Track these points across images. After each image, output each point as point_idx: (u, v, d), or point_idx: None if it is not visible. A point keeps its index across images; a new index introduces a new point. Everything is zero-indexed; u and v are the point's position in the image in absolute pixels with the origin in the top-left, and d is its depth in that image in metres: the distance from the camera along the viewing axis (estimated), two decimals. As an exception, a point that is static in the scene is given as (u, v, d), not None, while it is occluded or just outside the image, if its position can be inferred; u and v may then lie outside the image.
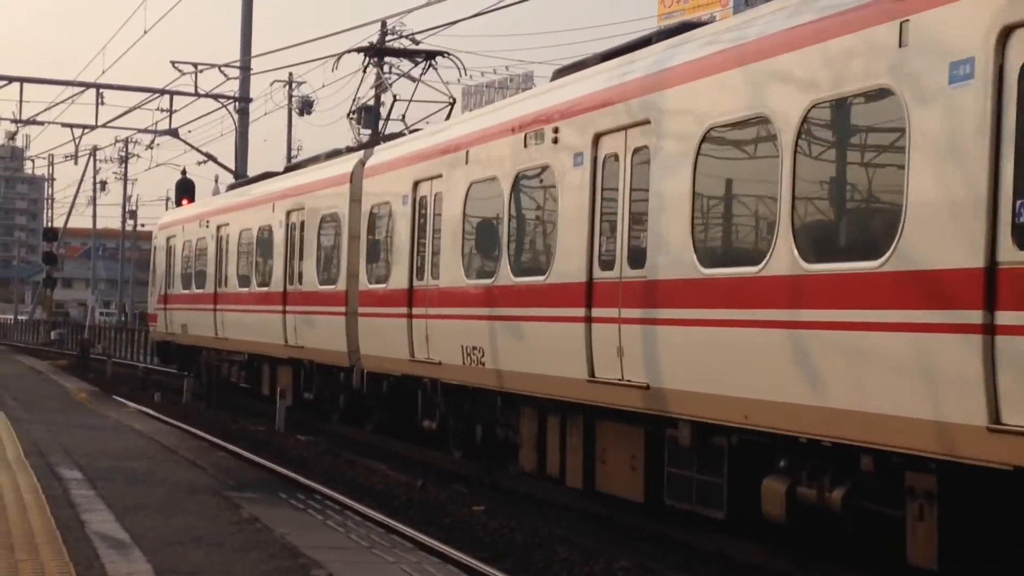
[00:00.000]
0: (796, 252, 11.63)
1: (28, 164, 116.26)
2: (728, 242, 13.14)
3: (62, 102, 50.40)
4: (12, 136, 79.59)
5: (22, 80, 48.03)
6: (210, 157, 50.81)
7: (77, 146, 63.95)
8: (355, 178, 23.98)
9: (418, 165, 20.84)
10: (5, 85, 47.18)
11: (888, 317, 10.43)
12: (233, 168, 47.92)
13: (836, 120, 11.46)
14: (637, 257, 14.37)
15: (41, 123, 54.07)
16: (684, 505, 13.96)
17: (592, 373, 15.15)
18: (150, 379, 39.93)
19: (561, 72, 17.96)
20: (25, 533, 11.98)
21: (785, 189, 11.80)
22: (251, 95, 48.04)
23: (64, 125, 55.19)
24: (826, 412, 11.15)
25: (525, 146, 17.07)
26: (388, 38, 45.24)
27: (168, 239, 38.38)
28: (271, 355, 28.55)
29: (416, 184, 20.84)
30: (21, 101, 50.12)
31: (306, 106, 63.52)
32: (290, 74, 62.78)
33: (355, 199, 23.74)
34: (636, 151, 14.54)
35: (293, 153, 67.18)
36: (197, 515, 13.75)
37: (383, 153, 23.19)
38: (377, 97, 48.96)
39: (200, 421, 26.89)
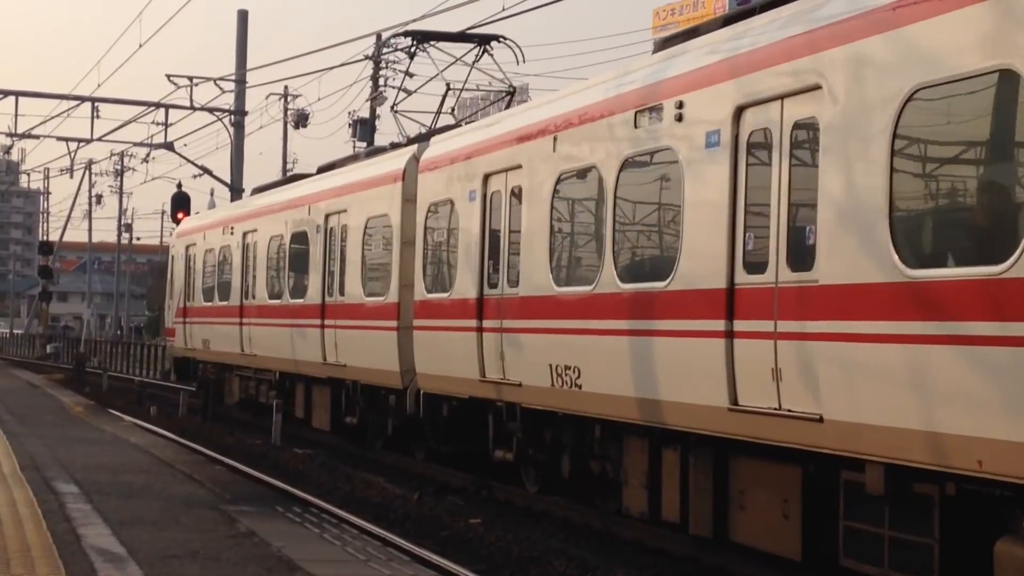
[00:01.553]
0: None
1: (24, 178, 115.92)
2: (946, 237, 10.25)
3: (57, 116, 49.98)
4: (7, 150, 77.74)
5: (17, 94, 47.71)
6: (205, 170, 50.56)
7: (73, 160, 66.27)
8: (408, 175, 20.99)
9: (489, 155, 17.98)
10: (1, 99, 47.31)
11: None
12: (229, 181, 47.80)
13: None
14: (801, 257, 11.54)
15: (37, 137, 53.61)
16: (870, 569, 11.07)
17: (735, 400, 12.33)
18: (146, 393, 38.92)
19: (667, 42, 15.14)
20: (21, 547, 11.99)
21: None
22: (247, 108, 48.25)
23: (60, 139, 54.84)
24: None
25: (636, 126, 14.26)
26: (384, 51, 45.26)
27: (187, 247, 35.25)
28: (306, 374, 25.60)
29: (487, 177, 17.97)
30: (16, 115, 49.58)
31: (301, 119, 63.76)
32: (285, 87, 63.84)
33: (408, 199, 20.76)
34: (799, 124, 11.71)
35: (288, 166, 68.18)
36: (193, 529, 13.78)
37: (441, 145, 20.21)
38: (372, 110, 47.67)
39: (196, 435, 26.68)
